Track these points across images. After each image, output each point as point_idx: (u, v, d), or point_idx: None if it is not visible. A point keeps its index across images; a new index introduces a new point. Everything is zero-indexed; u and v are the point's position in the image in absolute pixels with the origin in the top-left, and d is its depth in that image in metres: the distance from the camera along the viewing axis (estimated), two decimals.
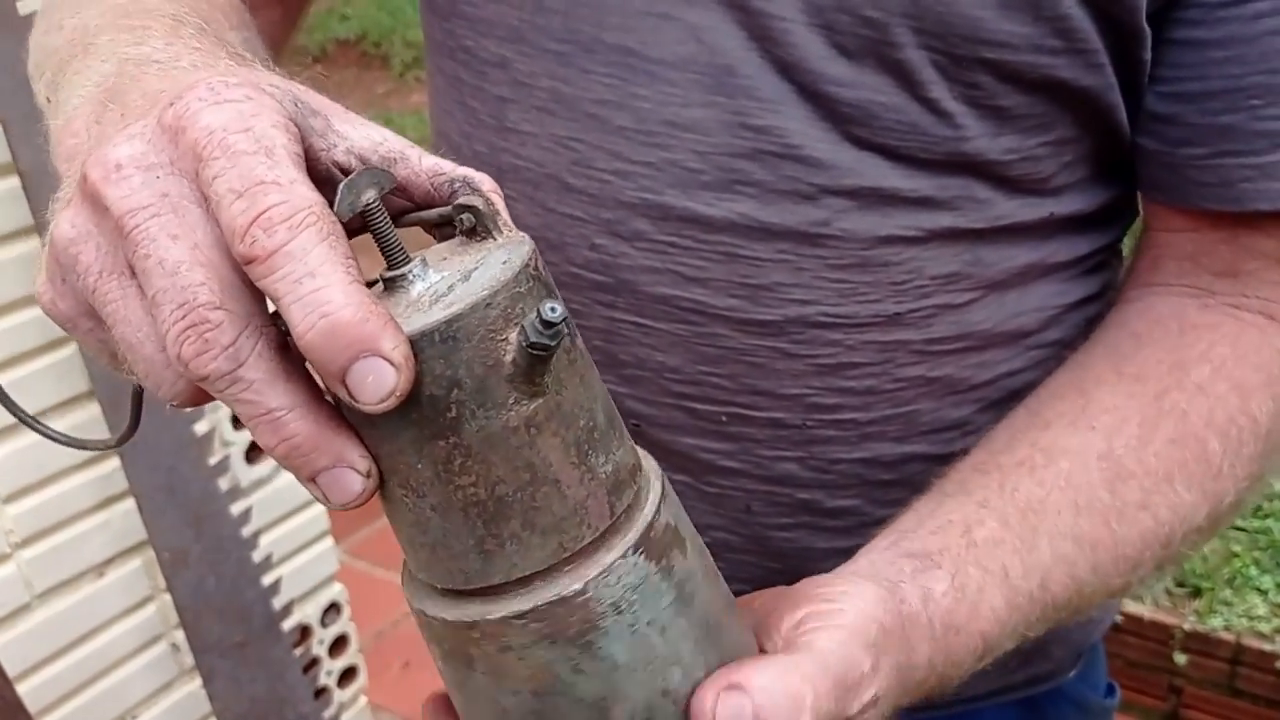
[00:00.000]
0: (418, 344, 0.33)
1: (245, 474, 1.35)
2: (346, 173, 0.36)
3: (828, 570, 0.58)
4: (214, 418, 1.32)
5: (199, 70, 0.40)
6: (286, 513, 1.41)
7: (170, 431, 1.22)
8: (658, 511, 0.39)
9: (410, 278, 0.35)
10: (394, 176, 0.37)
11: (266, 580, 1.32)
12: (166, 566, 1.20)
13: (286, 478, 1.38)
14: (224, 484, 1.30)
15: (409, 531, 0.37)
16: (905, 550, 0.50)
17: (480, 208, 0.37)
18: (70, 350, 1.18)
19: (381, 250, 0.36)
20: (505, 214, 0.38)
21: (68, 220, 0.35)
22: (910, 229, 0.57)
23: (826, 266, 0.57)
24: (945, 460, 0.62)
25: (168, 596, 1.27)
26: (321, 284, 0.31)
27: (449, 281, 0.35)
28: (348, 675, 1.58)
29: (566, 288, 0.61)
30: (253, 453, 1.36)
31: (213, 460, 1.29)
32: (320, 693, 1.49)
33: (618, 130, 0.57)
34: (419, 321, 0.33)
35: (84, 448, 0.43)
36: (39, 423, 0.45)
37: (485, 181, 0.39)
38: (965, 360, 0.61)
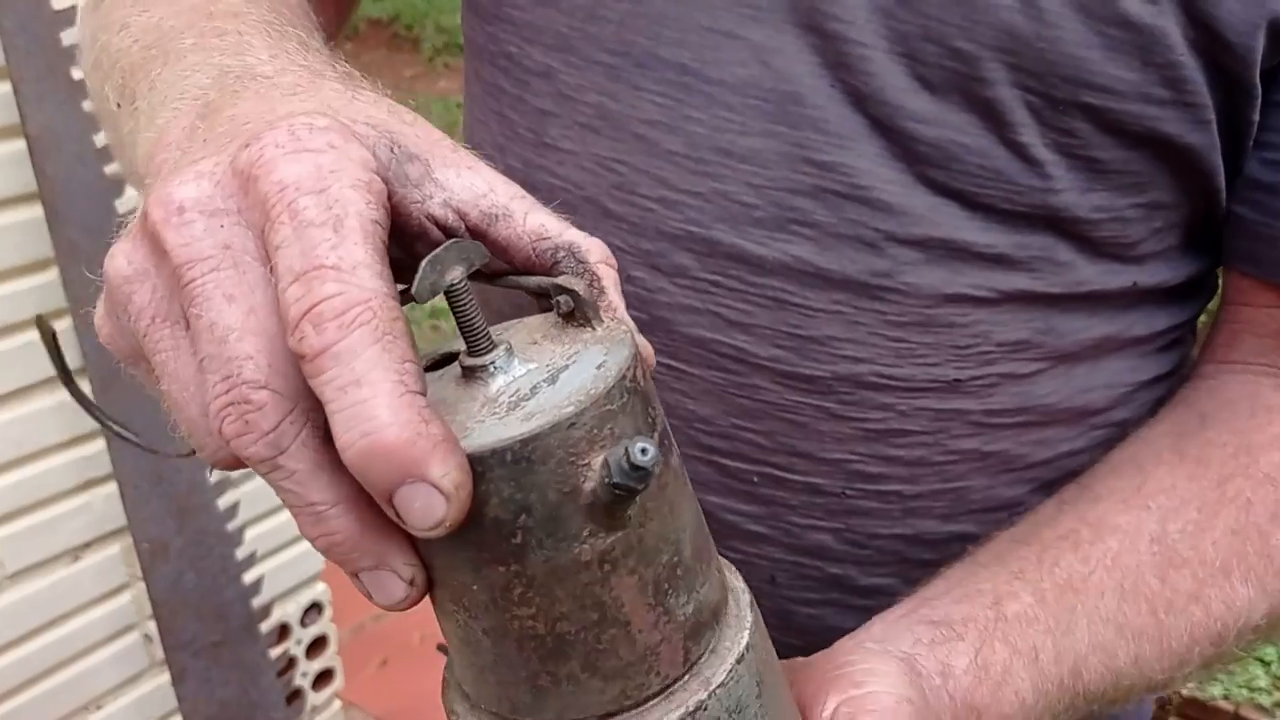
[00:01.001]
0: (485, 461, 0.29)
1: None
2: (443, 228, 0.33)
3: None
4: None
5: (298, 95, 0.36)
6: (275, 506, 1.36)
7: (159, 417, 1.16)
8: (740, 660, 0.34)
9: (491, 369, 0.32)
10: (484, 251, 0.33)
11: (248, 578, 1.27)
12: (145, 558, 1.15)
13: None
14: (214, 475, 1.25)
15: (458, 645, 0.33)
16: (925, 617, 0.45)
17: (580, 294, 0.33)
18: (64, 325, 1.13)
19: (462, 334, 0.32)
20: (614, 293, 0.34)
21: (124, 256, 0.32)
22: (981, 289, 0.52)
23: (885, 323, 0.52)
24: None
25: (143, 585, 1.22)
26: (367, 395, 0.28)
27: (534, 380, 0.32)
28: (323, 678, 1.53)
29: None
30: None
31: None
32: (294, 697, 1.43)
33: (666, 155, 0.52)
34: (490, 436, 0.30)
35: (157, 451, 0.38)
36: (121, 427, 0.41)
37: (593, 251, 0.35)
38: (1024, 436, 0.56)
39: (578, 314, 0.33)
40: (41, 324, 0.34)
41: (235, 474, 1.30)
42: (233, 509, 1.26)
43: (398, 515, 0.29)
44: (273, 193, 0.30)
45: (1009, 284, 0.52)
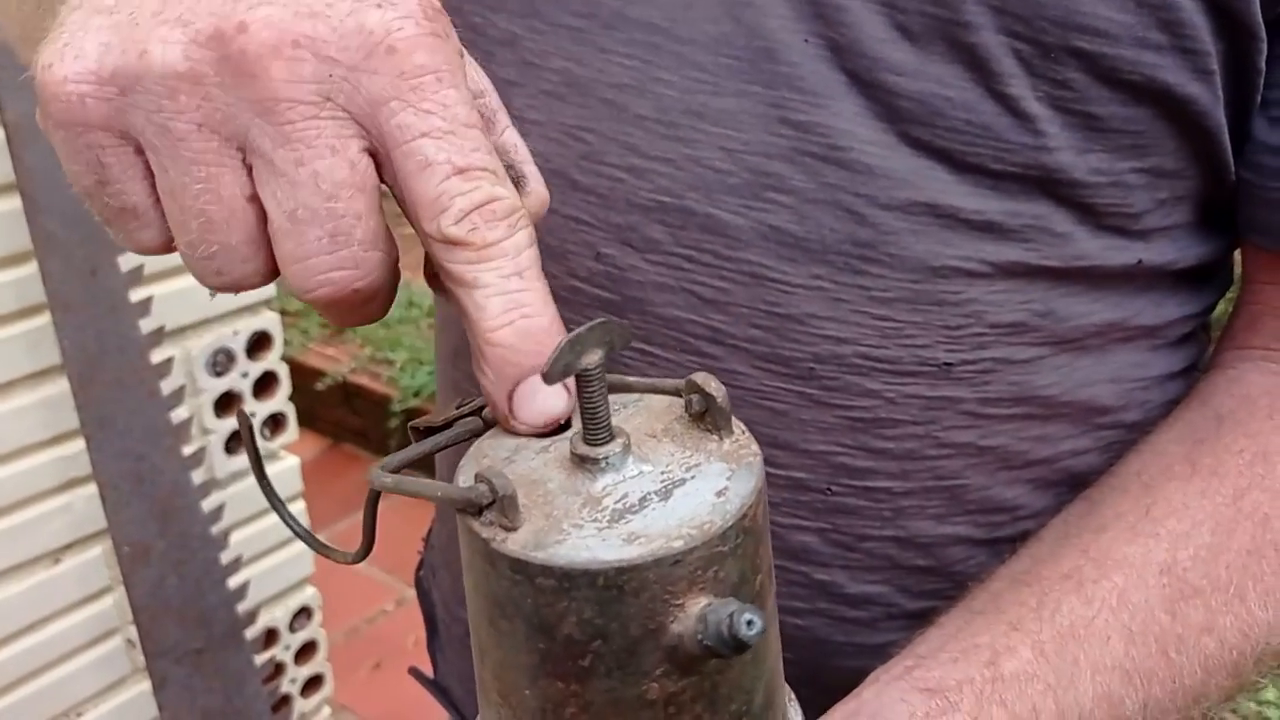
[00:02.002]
0: (574, 578, 0.28)
1: (223, 465, 1.27)
2: (510, 170, 0.35)
3: (846, 670, 0.51)
4: (194, 404, 1.24)
5: None
6: (262, 509, 1.32)
7: (144, 417, 1.14)
8: None
9: (604, 464, 0.30)
10: (629, 333, 0.33)
11: (233, 582, 1.24)
12: (125, 562, 1.12)
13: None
14: (198, 477, 1.21)
15: None
16: (919, 683, 0.42)
17: (718, 400, 0.31)
18: (44, 320, 1.10)
19: (583, 419, 0.31)
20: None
21: (181, 48, 0.30)
22: (971, 260, 0.48)
23: (869, 299, 0.48)
24: (990, 547, 0.53)
25: (123, 590, 1.18)
26: (526, 285, 0.32)
27: (645, 488, 0.30)
28: (313, 683, 1.49)
29: (565, 304, 0.52)
30: (233, 443, 1.27)
31: (188, 450, 1.20)
32: (280, 704, 1.40)
33: (635, 120, 0.48)
34: (584, 550, 0.28)
35: (325, 554, 0.37)
36: (293, 520, 0.39)
37: (534, 195, 0.38)
38: (1024, 431, 0.52)
39: (708, 419, 0.32)
40: (241, 417, 0.33)
41: (220, 476, 1.27)
42: (217, 511, 1.23)
43: (510, 408, 0.32)
44: (414, 73, 0.31)
45: (1002, 256, 0.48)
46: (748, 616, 0.26)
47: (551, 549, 0.28)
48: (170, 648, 1.18)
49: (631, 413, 0.33)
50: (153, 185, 0.33)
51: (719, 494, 0.29)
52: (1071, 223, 0.48)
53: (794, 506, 0.52)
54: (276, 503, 0.37)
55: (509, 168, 0.36)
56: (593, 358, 0.30)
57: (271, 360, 1.29)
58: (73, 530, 1.17)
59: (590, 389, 0.30)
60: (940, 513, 0.52)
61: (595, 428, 0.30)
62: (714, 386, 0.31)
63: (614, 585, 0.27)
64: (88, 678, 1.23)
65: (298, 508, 1.41)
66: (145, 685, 1.23)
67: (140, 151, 0.32)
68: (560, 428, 0.32)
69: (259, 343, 1.27)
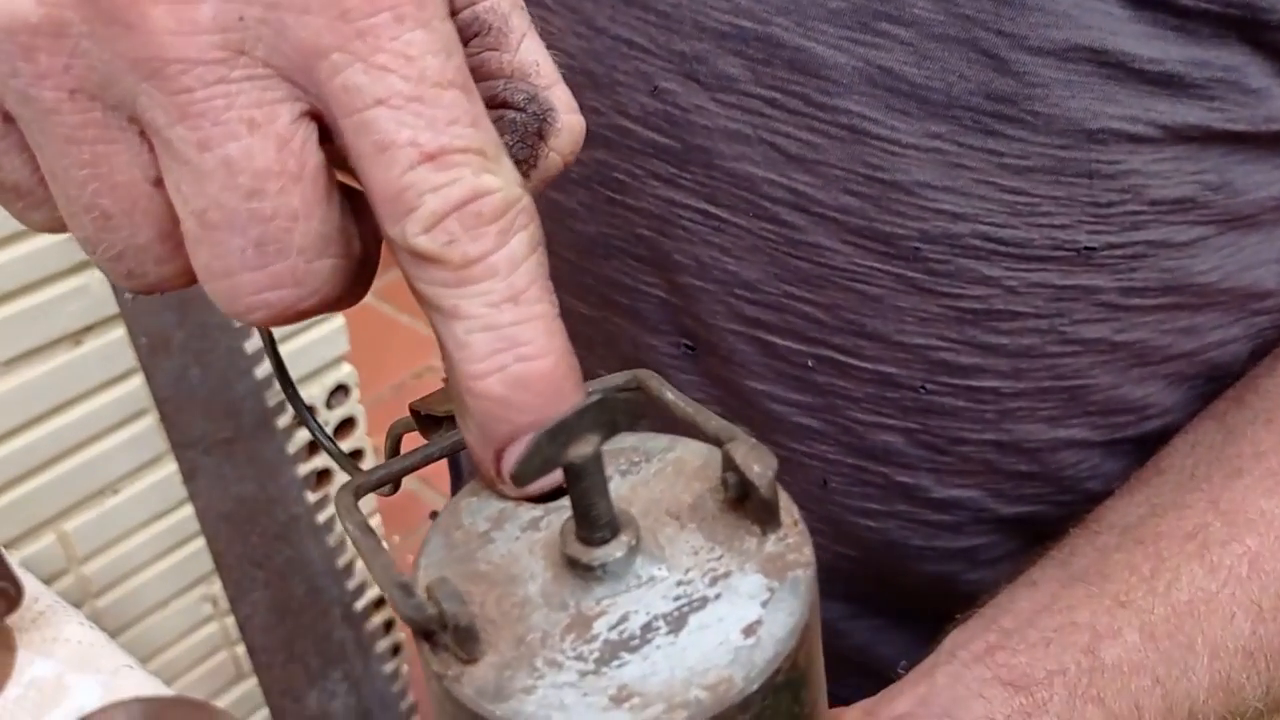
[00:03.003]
0: None
1: None
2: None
3: (922, 574, 0.47)
4: None
5: None
6: None
7: None
8: None
9: (600, 573, 0.22)
10: (640, 407, 0.25)
11: (260, 371, 1.20)
12: (143, 352, 1.07)
13: None
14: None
15: None
16: (1003, 671, 0.35)
17: (762, 490, 0.22)
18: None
19: (576, 511, 0.22)
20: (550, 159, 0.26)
21: None
22: (1139, 123, 0.37)
23: (999, 168, 0.38)
24: (1108, 449, 0.45)
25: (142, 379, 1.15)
26: (525, 316, 0.23)
27: (652, 610, 0.22)
28: (351, 458, 1.49)
29: (611, 148, 0.42)
30: None
31: None
32: (320, 480, 1.39)
33: None
34: (555, 714, 0.20)
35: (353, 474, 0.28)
36: (325, 435, 0.33)
37: (566, 131, 0.27)
38: (1169, 323, 0.42)
39: (749, 508, 0.23)
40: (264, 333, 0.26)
41: None
42: None
43: (498, 470, 0.24)
44: (362, 10, 0.21)
45: (1177, 117, 0.37)
46: None
47: (514, 701, 0.21)
48: (197, 439, 1.15)
49: (655, 471, 0.25)
50: (35, 160, 0.23)
51: (747, 631, 0.21)
52: (1268, 76, 0.37)
53: (878, 403, 0.44)
54: (305, 414, 0.30)
55: (528, 100, 0.25)
56: (583, 449, 0.22)
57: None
58: (92, 312, 1.13)
59: (582, 484, 0.22)
60: (1054, 415, 0.44)
61: (593, 519, 0.22)
62: (756, 470, 0.23)
63: None
64: (121, 457, 1.22)
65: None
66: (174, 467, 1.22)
67: (11, 118, 0.23)
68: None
69: None
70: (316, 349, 1.34)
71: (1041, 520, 0.46)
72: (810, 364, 0.43)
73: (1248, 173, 0.40)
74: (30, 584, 0.96)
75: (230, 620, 1.32)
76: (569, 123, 0.26)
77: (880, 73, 0.37)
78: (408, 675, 1.54)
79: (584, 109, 0.41)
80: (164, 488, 1.25)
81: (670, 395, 0.25)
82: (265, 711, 1.40)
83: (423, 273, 0.22)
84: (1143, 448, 0.45)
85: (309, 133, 0.22)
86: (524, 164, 0.25)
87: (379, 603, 1.47)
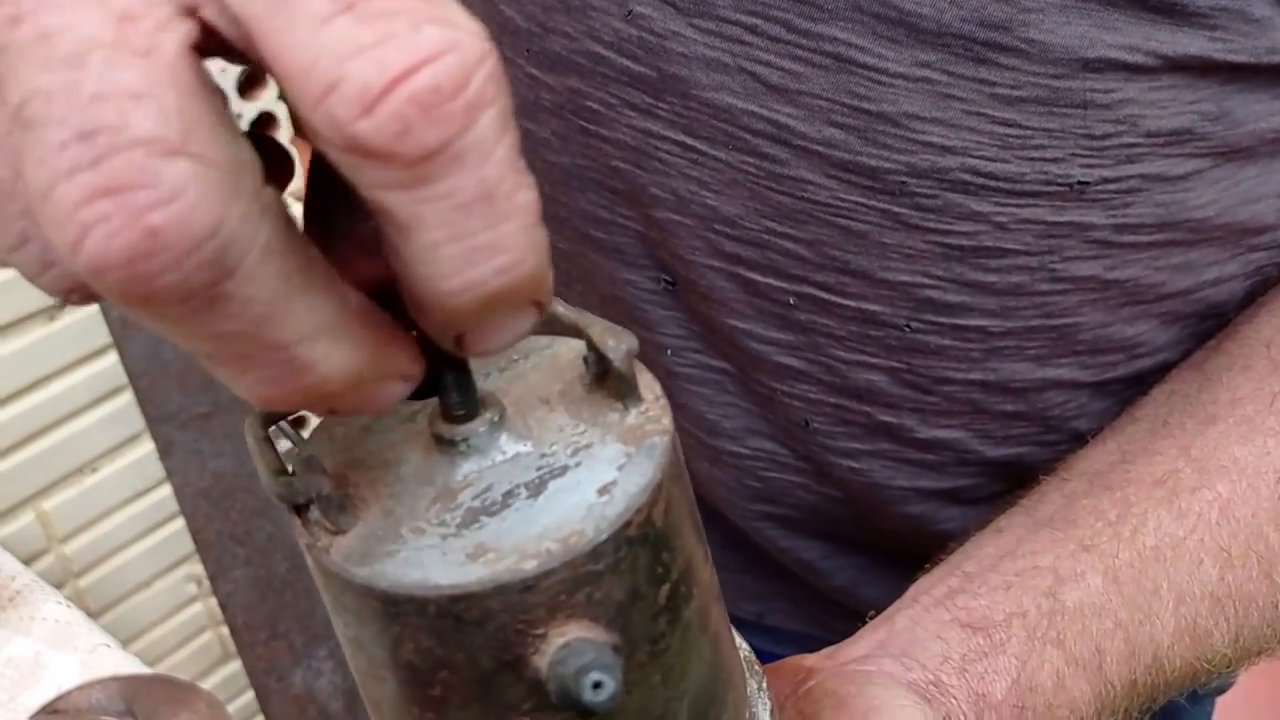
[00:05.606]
0: (398, 604, 0.22)
1: None
2: None
3: (904, 516, 0.47)
4: None
5: None
6: None
7: None
8: None
9: (463, 447, 0.23)
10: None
11: None
12: (115, 325, 1.05)
13: None
14: None
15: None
16: (961, 614, 0.34)
17: (616, 365, 0.24)
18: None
19: (440, 390, 0.23)
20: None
21: None
22: (1137, 52, 0.36)
23: (991, 98, 0.37)
24: (1096, 389, 0.44)
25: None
26: (501, 217, 0.18)
27: (514, 479, 0.23)
28: None
29: (584, 75, 0.41)
30: None
31: None
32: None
33: None
34: (415, 569, 0.21)
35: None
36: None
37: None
38: (1163, 259, 0.41)
39: (609, 383, 0.24)
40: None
41: None
42: None
43: (467, 341, 0.20)
44: None
45: (1178, 47, 0.36)
46: (595, 677, 0.21)
47: (377, 564, 0.22)
48: (173, 414, 1.14)
49: (532, 365, 0.25)
50: None
51: (602, 491, 0.22)
52: (1271, 5, 0.36)
53: (861, 342, 0.42)
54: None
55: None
56: None
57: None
58: None
59: (439, 357, 0.22)
60: (1042, 354, 0.43)
61: (459, 397, 0.23)
62: (611, 344, 0.24)
63: (448, 614, 0.21)
64: (99, 434, 1.20)
65: None
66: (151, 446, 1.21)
67: None
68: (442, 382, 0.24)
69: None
70: None
71: (1027, 462, 0.45)
72: (792, 301, 0.42)
73: (1246, 103, 0.39)
74: (8, 563, 0.94)
75: (214, 601, 1.30)
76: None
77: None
78: None
79: (555, 34, 0.39)
80: (143, 465, 1.23)
81: (560, 308, 0.25)
82: (251, 694, 1.39)
83: (365, 174, 0.17)
84: (1132, 387, 0.44)
85: (174, 22, 0.17)
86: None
87: None
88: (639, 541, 0.22)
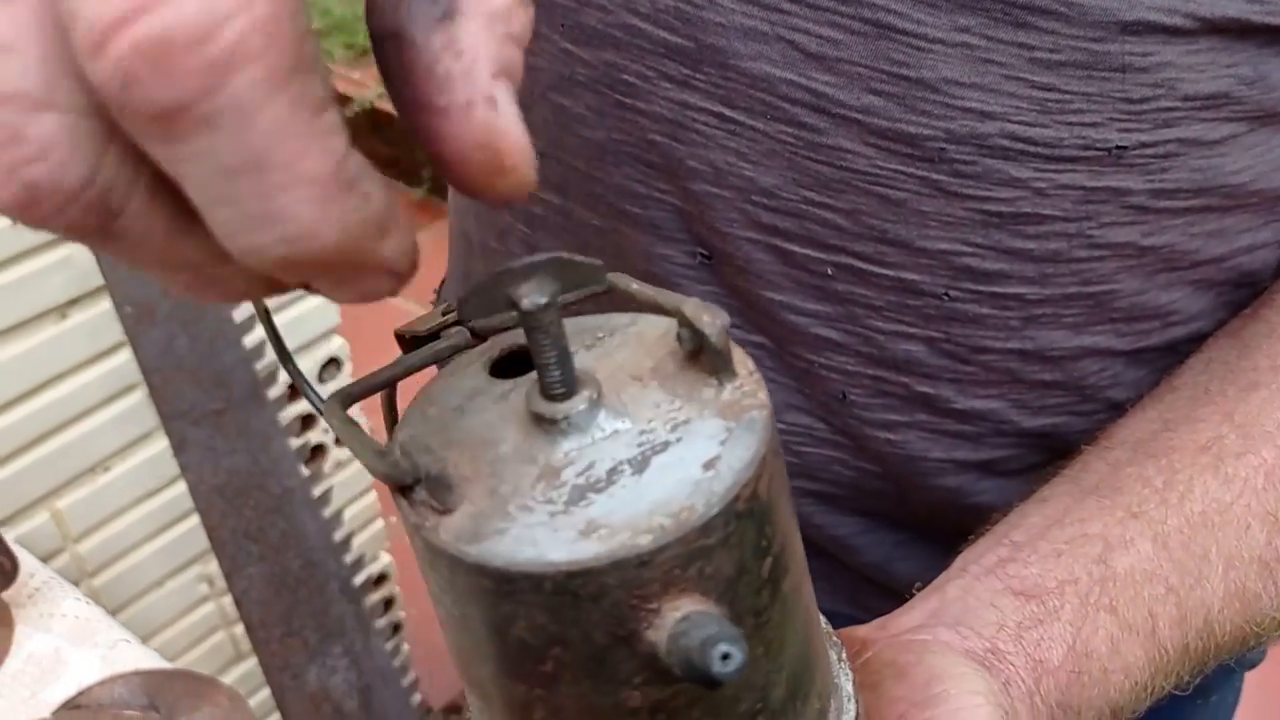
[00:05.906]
0: (514, 580, 0.22)
1: None
2: None
3: (942, 489, 0.47)
4: None
5: None
6: None
7: None
8: None
9: (564, 425, 0.23)
10: (602, 275, 0.23)
11: (249, 340, 1.18)
12: (129, 322, 1.05)
13: None
14: None
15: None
16: (1014, 582, 0.35)
17: (712, 339, 0.24)
18: None
19: (537, 367, 0.23)
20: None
21: None
22: (1176, 14, 0.36)
23: (1029, 62, 0.37)
24: (1131, 357, 0.44)
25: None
26: (277, 184, 0.16)
27: (617, 456, 0.23)
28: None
29: (621, 48, 0.41)
30: None
31: None
32: (314, 455, 1.38)
33: None
34: (529, 546, 0.22)
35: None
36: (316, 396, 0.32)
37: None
38: (1198, 226, 0.41)
39: (703, 360, 0.24)
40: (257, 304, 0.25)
41: None
42: None
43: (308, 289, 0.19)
44: None
45: (1218, 9, 0.36)
46: (723, 649, 0.21)
47: (488, 542, 0.22)
48: (187, 410, 1.14)
49: (619, 342, 0.25)
50: None
51: (707, 466, 0.22)
52: None
53: (899, 311, 0.43)
54: (303, 383, 0.30)
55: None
56: (536, 298, 0.22)
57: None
58: (76, 285, 1.11)
59: (538, 335, 0.22)
60: (1078, 322, 0.43)
61: (554, 378, 0.23)
62: (706, 320, 0.24)
63: (565, 591, 0.22)
64: (111, 432, 1.20)
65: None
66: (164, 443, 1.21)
67: None
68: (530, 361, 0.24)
69: None
70: (308, 322, 1.32)
71: (1063, 433, 0.46)
72: (830, 272, 0.42)
73: None
74: (27, 560, 0.94)
75: (228, 600, 1.30)
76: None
77: None
78: (408, 653, 1.52)
79: (590, 7, 0.39)
80: (156, 464, 1.23)
81: (635, 286, 0.25)
82: (266, 691, 1.39)
83: (121, 118, 0.16)
84: (1166, 356, 0.44)
85: None
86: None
87: (379, 580, 1.45)
88: (746, 515, 0.22)
